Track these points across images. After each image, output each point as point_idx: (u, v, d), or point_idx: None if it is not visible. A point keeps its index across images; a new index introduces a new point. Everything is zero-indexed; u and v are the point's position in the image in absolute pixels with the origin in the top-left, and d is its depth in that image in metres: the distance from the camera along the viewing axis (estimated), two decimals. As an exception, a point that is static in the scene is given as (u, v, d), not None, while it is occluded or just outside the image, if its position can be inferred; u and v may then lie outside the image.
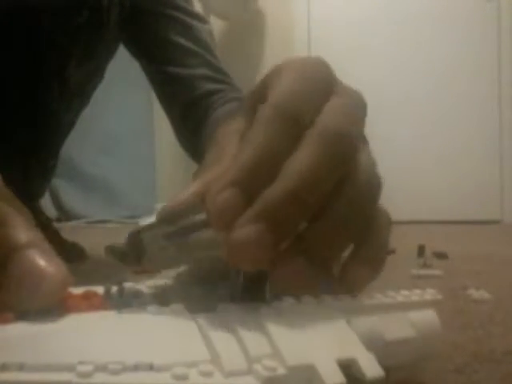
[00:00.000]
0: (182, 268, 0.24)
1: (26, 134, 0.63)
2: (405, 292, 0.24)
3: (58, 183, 2.68)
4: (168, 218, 0.22)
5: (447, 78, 2.57)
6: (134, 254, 0.20)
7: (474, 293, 0.48)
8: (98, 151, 2.82)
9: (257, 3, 2.64)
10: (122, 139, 2.83)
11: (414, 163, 2.58)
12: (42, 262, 0.17)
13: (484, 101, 2.55)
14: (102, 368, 0.16)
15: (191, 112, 0.61)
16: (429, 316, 0.24)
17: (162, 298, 0.21)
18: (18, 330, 0.17)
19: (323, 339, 0.20)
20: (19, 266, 0.17)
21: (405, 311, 0.23)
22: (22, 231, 0.17)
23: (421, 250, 0.82)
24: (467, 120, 2.56)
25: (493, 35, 2.55)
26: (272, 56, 2.77)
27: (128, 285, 0.23)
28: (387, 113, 2.61)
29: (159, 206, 0.23)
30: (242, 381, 0.17)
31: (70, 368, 0.16)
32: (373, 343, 0.21)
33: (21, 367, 0.16)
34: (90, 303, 0.19)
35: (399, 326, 0.22)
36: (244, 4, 2.53)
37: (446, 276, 0.63)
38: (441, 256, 0.80)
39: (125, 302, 0.21)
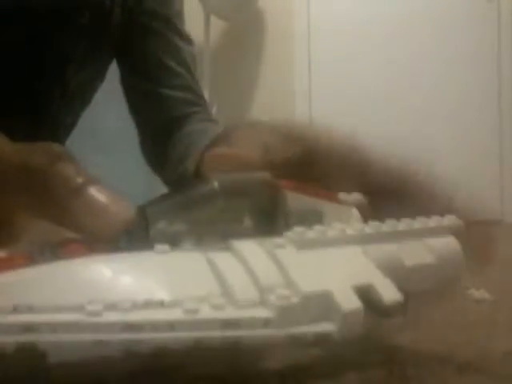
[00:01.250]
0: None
1: (26, 135, 0.63)
2: (422, 218, 0.23)
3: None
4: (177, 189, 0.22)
5: (447, 77, 2.57)
6: (140, 230, 0.20)
7: (474, 293, 0.48)
8: (98, 151, 2.82)
9: (257, 3, 2.64)
10: (121, 139, 2.83)
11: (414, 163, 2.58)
12: (106, 194, 0.20)
13: (484, 100, 2.55)
14: (111, 306, 0.16)
15: (165, 131, 0.63)
16: (448, 242, 0.24)
17: (174, 239, 0.21)
18: (28, 273, 0.17)
19: (338, 267, 0.19)
20: (91, 196, 0.20)
21: (423, 237, 0.23)
22: (82, 172, 0.20)
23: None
24: (467, 119, 2.56)
25: (493, 35, 2.55)
26: (272, 56, 2.77)
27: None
28: (386, 112, 2.61)
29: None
30: (254, 311, 0.17)
31: (79, 308, 0.16)
32: (391, 270, 0.20)
33: (30, 309, 0.15)
34: (94, 249, 0.19)
35: (418, 252, 0.22)
36: (244, 4, 2.53)
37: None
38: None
39: (132, 239, 0.20)
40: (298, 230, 0.20)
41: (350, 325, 0.18)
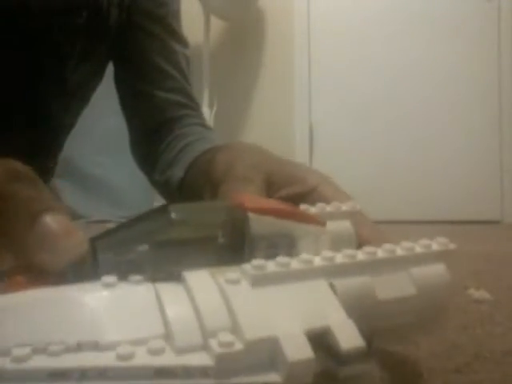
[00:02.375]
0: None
1: (24, 135, 0.63)
2: (407, 244, 0.21)
3: (58, 183, 2.68)
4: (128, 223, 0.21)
5: (447, 77, 2.57)
6: (89, 263, 0.19)
7: (474, 293, 0.48)
8: (98, 151, 2.81)
9: (257, 3, 2.64)
10: (122, 139, 2.82)
11: (414, 164, 2.58)
12: (62, 225, 0.19)
13: (484, 100, 2.55)
14: (40, 350, 0.15)
15: (157, 133, 0.63)
16: (434, 270, 0.21)
17: (129, 266, 0.19)
18: None
19: (294, 307, 0.17)
20: (44, 226, 0.19)
21: (405, 266, 0.20)
22: (43, 196, 0.20)
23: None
24: (467, 120, 2.56)
25: (493, 35, 2.55)
26: (272, 56, 2.77)
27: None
28: (386, 112, 2.61)
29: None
30: (194, 358, 0.15)
31: (4, 352, 0.14)
32: (362, 305, 0.18)
33: None
34: (39, 279, 0.18)
35: (396, 284, 0.20)
36: (244, 4, 2.53)
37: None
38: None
39: (80, 270, 0.19)
40: (256, 263, 0.18)
41: (297, 375, 0.16)
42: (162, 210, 0.21)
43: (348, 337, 0.17)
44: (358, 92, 2.63)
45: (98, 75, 0.68)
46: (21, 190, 0.19)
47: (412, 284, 0.20)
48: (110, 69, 0.70)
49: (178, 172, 0.55)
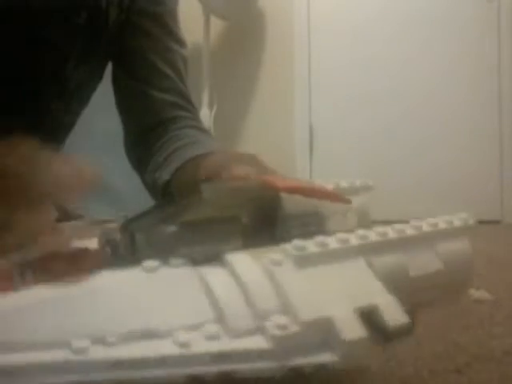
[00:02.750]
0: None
1: (24, 134, 0.63)
2: (432, 220, 0.22)
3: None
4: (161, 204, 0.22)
5: (447, 77, 2.57)
6: (125, 246, 0.19)
7: (474, 293, 0.48)
8: (98, 151, 2.82)
9: (257, 3, 2.64)
10: (121, 139, 2.82)
11: (414, 164, 2.58)
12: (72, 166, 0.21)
13: (484, 101, 2.55)
14: (99, 341, 0.15)
15: (150, 133, 0.63)
16: (458, 245, 0.22)
17: (161, 249, 0.19)
18: (7, 305, 0.15)
19: (340, 287, 0.18)
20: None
21: (432, 242, 0.21)
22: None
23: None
24: (467, 120, 2.56)
25: (493, 35, 2.55)
26: (272, 56, 2.77)
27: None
28: (386, 112, 2.61)
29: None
30: (250, 342, 0.16)
31: (63, 344, 0.14)
32: (397, 281, 0.19)
33: (10, 348, 0.14)
34: (79, 265, 0.17)
35: (425, 260, 0.20)
36: (244, 4, 2.53)
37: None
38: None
39: (117, 254, 0.19)
40: (297, 244, 0.19)
41: (353, 354, 0.16)
42: (197, 197, 0.21)
43: (394, 315, 0.17)
44: (358, 92, 2.63)
45: (97, 75, 0.68)
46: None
47: (439, 259, 0.21)
48: (109, 69, 0.70)
49: (164, 175, 0.55)
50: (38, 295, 0.16)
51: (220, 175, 0.29)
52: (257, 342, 0.16)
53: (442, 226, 0.22)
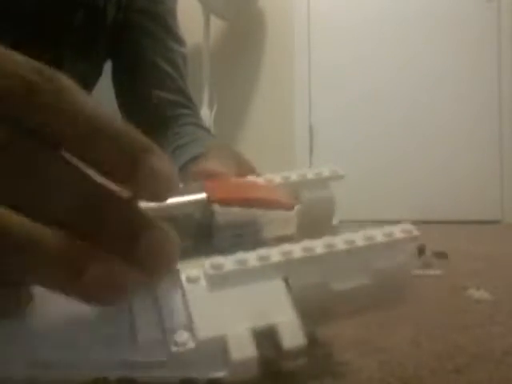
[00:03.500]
0: None
1: None
2: (369, 233, 0.22)
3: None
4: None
5: (447, 77, 2.57)
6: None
7: (474, 293, 0.48)
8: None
9: (257, 3, 2.64)
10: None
11: (414, 163, 2.58)
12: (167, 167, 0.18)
13: (484, 101, 2.55)
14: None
15: (152, 132, 0.63)
16: (391, 258, 0.22)
17: None
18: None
19: (248, 305, 0.19)
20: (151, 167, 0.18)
21: (364, 256, 0.21)
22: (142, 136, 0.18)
23: (421, 250, 0.82)
24: (467, 120, 2.56)
25: (493, 35, 2.55)
26: (272, 56, 2.77)
27: None
28: (386, 112, 2.61)
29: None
30: (154, 353, 0.18)
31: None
32: (317, 296, 0.20)
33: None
34: None
35: (351, 274, 0.21)
36: (244, 4, 2.53)
37: (446, 276, 0.63)
38: (441, 256, 0.80)
39: None
40: (215, 262, 0.20)
41: (240, 372, 0.18)
42: None
43: (291, 336, 0.18)
44: (358, 92, 2.63)
45: (95, 74, 0.68)
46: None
47: (367, 273, 0.21)
48: (109, 68, 0.70)
49: None
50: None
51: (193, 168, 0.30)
52: (159, 354, 0.18)
53: (379, 238, 0.22)
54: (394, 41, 2.63)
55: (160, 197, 0.18)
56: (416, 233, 0.22)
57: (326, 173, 0.26)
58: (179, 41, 0.67)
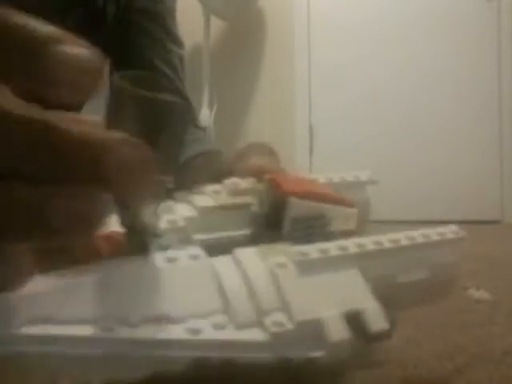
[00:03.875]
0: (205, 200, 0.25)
1: None
2: (425, 231, 0.24)
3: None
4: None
5: (447, 77, 2.57)
6: (147, 235, 0.21)
7: (474, 293, 0.48)
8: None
9: (257, 3, 2.64)
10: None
11: (414, 163, 2.58)
12: (78, 51, 0.16)
13: (484, 101, 2.55)
14: (123, 321, 0.17)
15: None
16: (446, 257, 0.24)
17: (182, 235, 0.22)
18: (44, 284, 0.17)
19: (334, 291, 0.20)
20: (54, 59, 0.15)
21: (423, 252, 0.24)
22: (47, 26, 0.16)
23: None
24: (467, 120, 2.56)
25: (493, 35, 2.55)
26: (272, 56, 2.77)
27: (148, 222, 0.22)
28: (387, 112, 2.61)
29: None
30: (251, 334, 0.18)
31: (93, 321, 0.17)
32: (385, 286, 0.21)
33: (46, 320, 0.16)
34: (111, 246, 0.20)
35: (413, 269, 0.23)
36: (244, 4, 2.53)
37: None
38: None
39: (144, 242, 0.21)
40: (301, 249, 0.21)
41: (337, 352, 0.19)
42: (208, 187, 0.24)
43: (377, 320, 0.20)
44: (358, 92, 2.63)
45: None
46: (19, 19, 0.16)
47: (426, 269, 0.23)
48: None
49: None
50: (69, 279, 0.18)
51: (236, 164, 0.31)
52: (257, 335, 0.18)
53: (434, 237, 0.24)
54: (393, 41, 2.63)
55: (80, 91, 0.16)
56: (463, 234, 0.25)
57: (363, 177, 0.29)
58: (177, 42, 0.68)
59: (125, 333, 0.17)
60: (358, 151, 2.60)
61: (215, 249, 0.22)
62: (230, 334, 0.18)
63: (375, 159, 2.59)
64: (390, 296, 0.21)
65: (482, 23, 2.55)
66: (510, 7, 2.53)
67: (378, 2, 2.66)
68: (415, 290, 0.23)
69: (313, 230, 0.24)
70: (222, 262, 0.20)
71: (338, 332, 0.19)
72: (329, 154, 2.64)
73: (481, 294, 0.48)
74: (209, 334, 0.18)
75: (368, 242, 0.23)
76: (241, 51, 2.78)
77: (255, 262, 0.20)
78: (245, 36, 2.78)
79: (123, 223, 0.19)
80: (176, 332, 0.18)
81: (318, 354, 0.19)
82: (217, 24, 2.61)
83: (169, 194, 0.24)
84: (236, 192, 0.25)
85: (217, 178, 0.30)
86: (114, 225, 0.20)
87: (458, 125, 2.56)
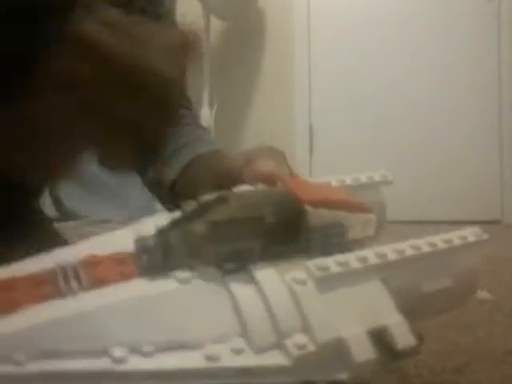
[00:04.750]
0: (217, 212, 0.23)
1: (21, 133, 0.63)
2: (446, 236, 0.23)
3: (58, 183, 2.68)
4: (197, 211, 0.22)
5: (447, 77, 2.57)
6: (160, 253, 0.19)
7: (475, 293, 0.48)
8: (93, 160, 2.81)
9: (257, 3, 2.64)
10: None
11: (414, 164, 2.58)
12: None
13: (484, 100, 2.55)
14: (136, 350, 0.16)
15: None
16: (469, 261, 0.23)
17: (193, 250, 0.20)
18: (47, 313, 0.16)
19: (356, 307, 0.19)
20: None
21: (445, 258, 0.22)
22: None
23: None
24: (467, 120, 2.56)
25: (493, 35, 2.55)
26: (272, 56, 2.77)
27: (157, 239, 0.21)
28: (386, 112, 2.61)
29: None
30: (271, 358, 0.17)
31: (103, 353, 0.15)
32: (410, 297, 0.20)
33: (51, 355, 0.15)
34: (121, 270, 0.18)
35: (437, 277, 0.22)
36: (244, 4, 2.53)
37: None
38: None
39: (154, 261, 0.20)
40: (320, 264, 0.20)
41: (362, 372, 0.18)
42: (220, 198, 0.23)
43: (403, 336, 0.18)
44: (358, 92, 2.63)
45: None
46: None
47: (450, 276, 0.22)
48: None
49: (172, 171, 0.55)
50: (78, 304, 0.17)
51: (245, 168, 0.30)
52: (277, 359, 0.17)
53: (457, 242, 0.23)
54: (394, 41, 2.63)
55: None
56: (486, 236, 0.24)
57: (376, 177, 0.27)
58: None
59: (139, 364, 0.16)
60: (358, 151, 2.60)
61: (229, 262, 0.20)
62: (249, 360, 0.17)
63: (375, 160, 2.58)
64: (414, 307, 0.20)
65: (482, 23, 2.55)
66: (510, 7, 2.53)
67: (378, 3, 2.65)
68: (440, 298, 0.22)
69: (330, 239, 0.23)
70: (238, 281, 0.19)
71: (363, 351, 0.18)
72: (329, 154, 2.63)
73: (482, 294, 0.48)
74: (227, 360, 0.17)
75: (389, 251, 0.21)
76: (241, 51, 2.78)
77: (272, 280, 0.19)
78: (245, 36, 2.78)
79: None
80: (193, 360, 0.16)
81: (342, 375, 0.18)
82: (217, 24, 2.61)
83: (175, 203, 0.23)
84: (248, 203, 0.23)
85: (225, 183, 0.30)
86: (124, 246, 0.19)
87: (458, 125, 2.56)
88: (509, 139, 2.52)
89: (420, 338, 0.19)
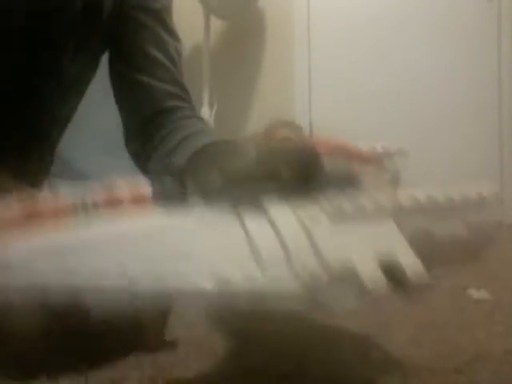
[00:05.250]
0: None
1: (22, 127, 0.63)
2: (462, 189, 0.24)
3: (58, 183, 2.68)
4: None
5: (447, 77, 2.57)
6: (178, 193, 0.20)
7: (474, 293, 0.48)
8: (97, 151, 2.81)
9: (257, 3, 2.64)
10: (121, 139, 2.82)
11: (414, 163, 2.58)
12: None
13: (484, 100, 2.55)
14: (151, 273, 0.17)
15: (151, 122, 0.63)
16: (483, 214, 0.24)
17: (209, 195, 0.21)
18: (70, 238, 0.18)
19: (369, 241, 0.19)
20: None
21: (460, 209, 0.23)
22: None
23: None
24: (467, 120, 2.56)
25: (493, 35, 2.55)
26: (272, 56, 2.77)
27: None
28: (386, 112, 2.61)
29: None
30: (284, 286, 0.17)
31: (121, 274, 0.17)
32: (423, 242, 0.20)
33: (78, 273, 0.16)
34: (137, 201, 0.20)
35: (450, 226, 0.22)
36: (244, 4, 2.53)
37: (446, 276, 0.63)
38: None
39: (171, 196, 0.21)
40: (334, 201, 0.21)
41: (371, 301, 0.18)
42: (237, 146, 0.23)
43: (415, 270, 0.19)
44: (358, 91, 2.63)
45: (92, 67, 0.69)
46: None
47: (464, 226, 0.23)
48: (107, 67, 0.70)
49: (179, 160, 0.55)
50: (102, 233, 0.18)
51: (264, 138, 0.31)
52: (290, 286, 0.17)
53: (471, 195, 0.24)
54: (393, 41, 2.63)
55: None
56: (498, 190, 0.25)
57: (392, 148, 0.28)
58: (174, 36, 0.69)
59: (152, 283, 0.17)
60: (357, 151, 2.60)
61: (246, 208, 0.20)
62: (261, 285, 0.17)
63: (375, 159, 2.58)
64: (427, 253, 0.20)
65: (481, 23, 2.55)
66: (510, 7, 2.53)
67: (378, 3, 2.65)
68: (452, 246, 0.22)
69: (344, 189, 0.23)
70: (252, 217, 0.20)
71: (375, 280, 0.18)
72: (329, 154, 2.63)
73: (481, 294, 0.48)
74: (240, 284, 0.17)
75: (403, 196, 0.22)
76: (241, 51, 2.78)
77: (285, 215, 0.19)
78: (245, 36, 2.78)
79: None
80: (207, 283, 0.17)
81: (353, 303, 0.18)
82: (217, 24, 2.61)
83: (183, 190, 0.23)
84: (265, 160, 0.23)
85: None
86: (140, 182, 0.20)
87: (458, 124, 2.56)
88: (509, 139, 2.52)
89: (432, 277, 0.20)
